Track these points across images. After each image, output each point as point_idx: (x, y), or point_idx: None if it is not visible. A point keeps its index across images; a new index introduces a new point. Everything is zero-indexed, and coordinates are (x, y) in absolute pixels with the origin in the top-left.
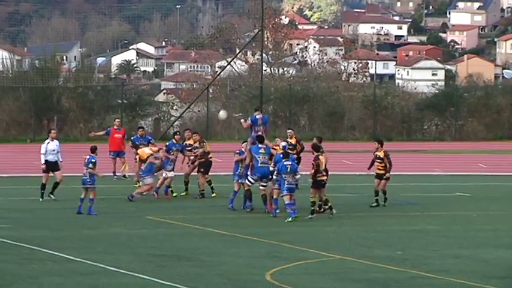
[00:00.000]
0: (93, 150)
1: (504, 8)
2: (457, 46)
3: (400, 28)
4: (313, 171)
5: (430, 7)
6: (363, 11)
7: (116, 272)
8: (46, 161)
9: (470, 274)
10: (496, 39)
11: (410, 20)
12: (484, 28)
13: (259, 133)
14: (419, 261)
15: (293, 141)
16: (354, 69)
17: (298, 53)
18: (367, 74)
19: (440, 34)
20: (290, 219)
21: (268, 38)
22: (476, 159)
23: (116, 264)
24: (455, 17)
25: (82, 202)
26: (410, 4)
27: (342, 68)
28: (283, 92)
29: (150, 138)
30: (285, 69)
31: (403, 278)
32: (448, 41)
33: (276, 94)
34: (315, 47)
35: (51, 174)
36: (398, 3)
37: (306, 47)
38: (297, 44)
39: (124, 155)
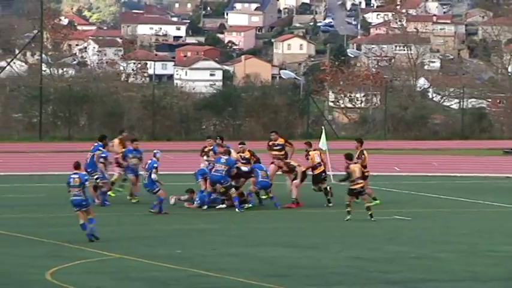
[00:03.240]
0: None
1: (281, 9)
2: (234, 47)
3: (179, 29)
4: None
5: (208, 8)
6: (142, 12)
7: None
8: None
9: (248, 272)
10: (273, 40)
11: (189, 21)
12: (261, 29)
13: None
14: (198, 260)
15: (247, 154)
16: (133, 69)
17: (77, 53)
18: (146, 74)
19: (218, 35)
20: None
21: (47, 39)
22: None
23: None
24: (233, 18)
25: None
26: (189, 5)
27: (121, 68)
28: (62, 93)
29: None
30: (65, 69)
31: (182, 276)
32: (226, 41)
33: (55, 94)
34: (94, 47)
35: None
36: (177, 5)
37: (86, 47)
38: (76, 45)
39: None
